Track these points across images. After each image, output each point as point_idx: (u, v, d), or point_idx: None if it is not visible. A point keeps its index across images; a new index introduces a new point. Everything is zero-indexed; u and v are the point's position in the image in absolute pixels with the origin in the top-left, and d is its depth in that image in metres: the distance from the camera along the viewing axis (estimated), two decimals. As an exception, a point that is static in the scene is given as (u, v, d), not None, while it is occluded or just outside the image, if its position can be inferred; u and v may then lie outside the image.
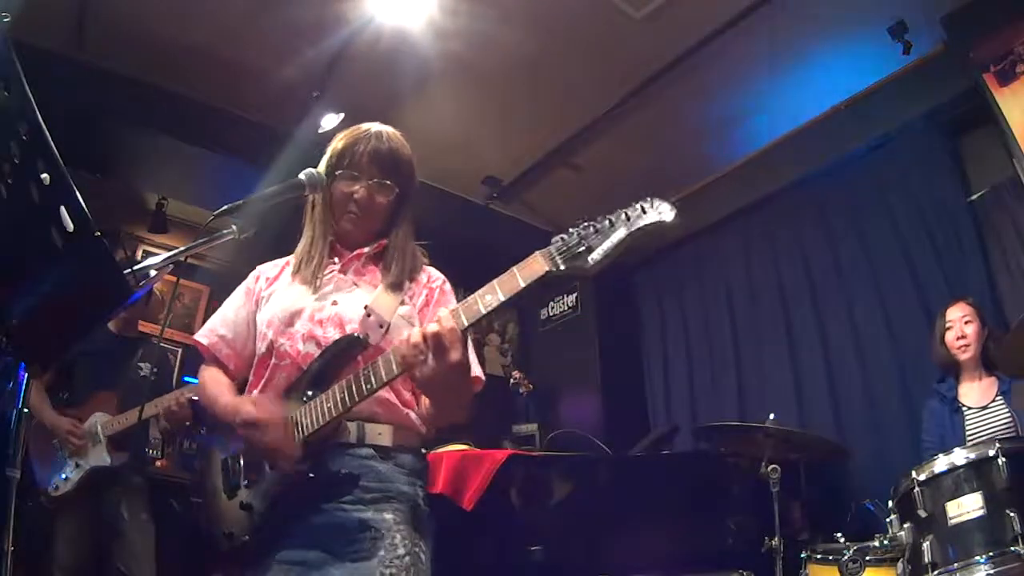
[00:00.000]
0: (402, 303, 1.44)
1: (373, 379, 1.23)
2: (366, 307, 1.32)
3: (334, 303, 1.42)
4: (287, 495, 1.28)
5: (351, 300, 1.42)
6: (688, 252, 4.98)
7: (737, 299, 4.57)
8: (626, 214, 1.08)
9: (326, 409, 1.26)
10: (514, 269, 1.13)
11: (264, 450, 1.29)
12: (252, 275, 1.60)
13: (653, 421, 4.84)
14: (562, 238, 1.10)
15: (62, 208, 0.98)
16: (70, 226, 0.98)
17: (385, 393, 1.34)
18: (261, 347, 1.44)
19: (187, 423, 3.19)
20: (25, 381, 1.14)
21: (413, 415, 1.40)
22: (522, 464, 2.72)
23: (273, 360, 1.41)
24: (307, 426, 1.28)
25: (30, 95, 1.00)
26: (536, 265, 1.11)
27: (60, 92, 3.36)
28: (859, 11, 3.46)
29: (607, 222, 1.09)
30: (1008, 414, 2.72)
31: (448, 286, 1.55)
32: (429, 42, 3.56)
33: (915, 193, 3.78)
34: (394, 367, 1.20)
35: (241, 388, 1.50)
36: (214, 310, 1.59)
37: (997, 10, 3.24)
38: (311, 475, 1.26)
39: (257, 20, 3.49)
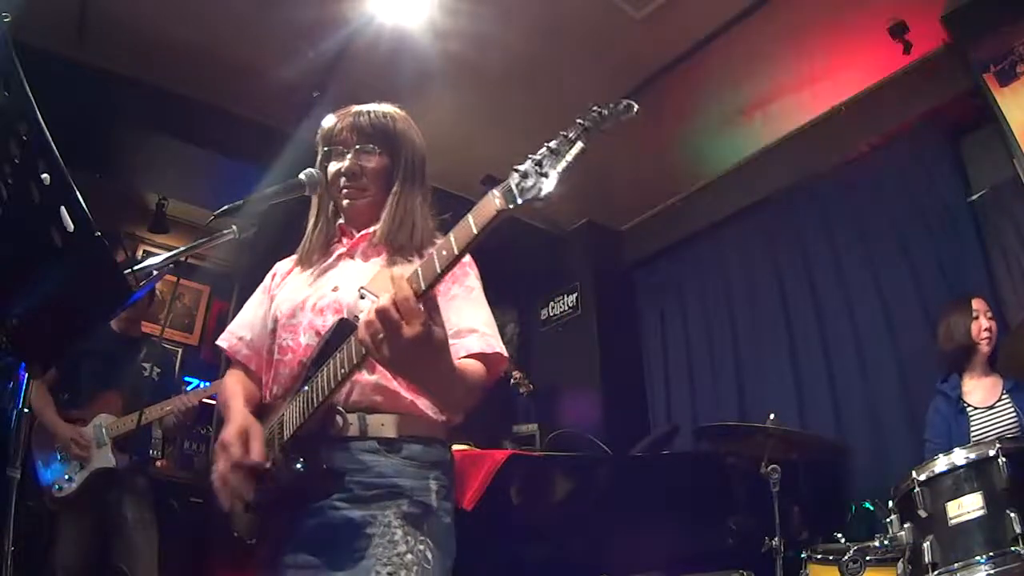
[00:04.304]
0: None
1: (345, 363, 1.12)
2: (360, 288, 1.18)
3: (334, 289, 1.36)
4: (285, 495, 1.23)
5: (352, 283, 1.30)
6: (688, 252, 4.98)
7: (737, 299, 4.56)
8: (583, 124, 0.96)
9: (310, 401, 1.18)
10: (468, 215, 0.98)
11: (217, 478, 1.24)
12: (269, 273, 1.57)
13: (653, 421, 4.84)
14: (516, 169, 0.95)
15: (62, 208, 0.99)
16: (70, 226, 0.99)
17: (384, 380, 1.27)
18: (269, 343, 1.41)
19: (188, 424, 3.19)
20: (25, 381, 1.15)
21: (422, 402, 1.30)
22: (522, 464, 2.71)
23: (276, 356, 1.37)
24: (295, 421, 1.21)
25: (30, 95, 1.00)
26: (489, 206, 0.95)
27: (60, 92, 3.35)
28: (859, 11, 3.46)
29: (563, 138, 0.96)
30: (1014, 414, 2.70)
31: (467, 258, 1.35)
32: (429, 42, 3.56)
33: (915, 193, 3.78)
34: (362, 349, 1.08)
35: None
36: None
37: (997, 10, 3.23)
38: (302, 471, 1.20)
39: (257, 20, 3.49)
